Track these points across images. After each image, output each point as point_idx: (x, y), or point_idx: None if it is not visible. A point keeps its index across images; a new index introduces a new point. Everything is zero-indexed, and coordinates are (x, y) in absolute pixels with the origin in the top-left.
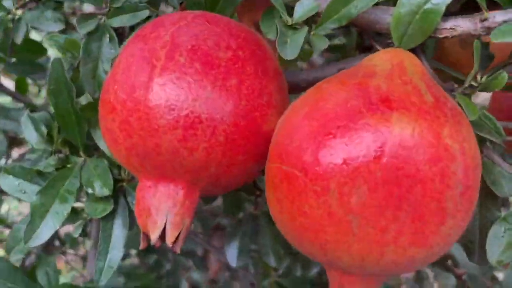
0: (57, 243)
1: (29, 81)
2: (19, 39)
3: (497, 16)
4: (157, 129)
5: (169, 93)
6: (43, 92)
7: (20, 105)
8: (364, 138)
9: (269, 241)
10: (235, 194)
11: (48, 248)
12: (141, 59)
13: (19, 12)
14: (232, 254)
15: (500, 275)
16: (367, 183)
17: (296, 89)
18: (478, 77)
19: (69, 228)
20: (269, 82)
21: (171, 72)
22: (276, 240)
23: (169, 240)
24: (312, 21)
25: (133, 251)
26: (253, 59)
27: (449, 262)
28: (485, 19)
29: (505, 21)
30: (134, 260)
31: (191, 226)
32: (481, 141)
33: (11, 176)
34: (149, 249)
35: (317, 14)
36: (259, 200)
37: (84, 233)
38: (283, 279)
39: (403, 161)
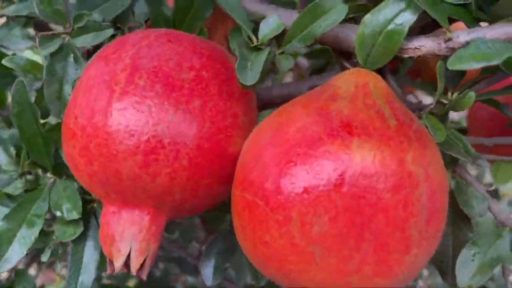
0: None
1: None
2: None
3: (460, 36)
4: (117, 155)
5: (129, 118)
6: None
7: None
8: (324, 166)
9: (246, 259)
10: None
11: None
12: (101, 82)
13: None
14: (207, 274)
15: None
16: (328, 212)
17: (270, 104)
18: (449, 94)
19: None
20: (235, 103)
21: (130, 96)
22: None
23: (134, 268)
24: (278, 40)
25: None
26: (217, 78)
27: None
28: (449, 39)
29: (467, 42)
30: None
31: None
32: (454, 160)
33: None
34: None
35: (283, 33)
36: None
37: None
38: None
39: (364, 189)
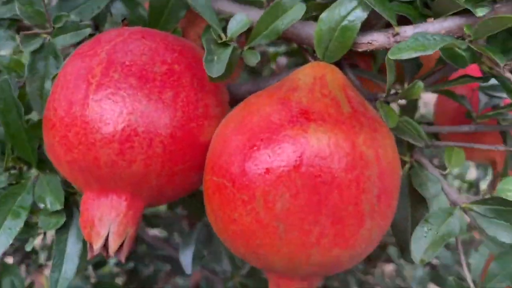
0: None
1: None
2: None
3: (407, 31)
4: (94, 143)
5: (105, 108)
6: None
7: None
8: (284, 148)
9: (223, 247)
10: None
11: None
12: (78, 77)
13: None
14: (187, 262)
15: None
16: (289, 190)
17: (242, 100)
18: (406, 85)
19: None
20: (206, 94)
21: (106, 88)
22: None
23: (112, 249)
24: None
25: (111, 260)
26: (188, 72)
27: None
28: (397, 34)
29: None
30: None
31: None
32: (411, 146)
33: None
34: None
35: (250, 29)
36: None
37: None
38: (248, 280)
39: (320, 169)
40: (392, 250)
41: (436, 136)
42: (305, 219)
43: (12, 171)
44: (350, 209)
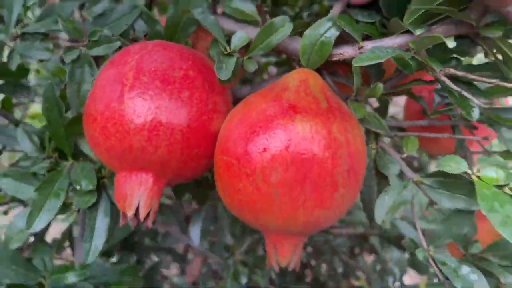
0: None
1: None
2: (14, 66)
3: (368, 45)
4: (129, 131)
5: (136, 104)
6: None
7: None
8: (277, 134)
9: (226, 224)
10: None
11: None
12: (114, 80)
13: (12, 43)
14: (195, 235)
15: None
16: (281, 166)
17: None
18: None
19: (55, 233)
20: (215, 94)
21: (137, 89)
22: (233, 223)
23: (141, 216)
24: (246, 49)
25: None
26: (200, 76)
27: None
28: (361, 47)
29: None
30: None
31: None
32: (377, 136)
33: (10, 178)
34: (130, 249)
35: (249, 44)
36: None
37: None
38: (246, 256)
39: (304, 149)
40: (374, 241)
41: (403, 130)
42: (293, 187)
43: (51, 160)
44: (326, 180)
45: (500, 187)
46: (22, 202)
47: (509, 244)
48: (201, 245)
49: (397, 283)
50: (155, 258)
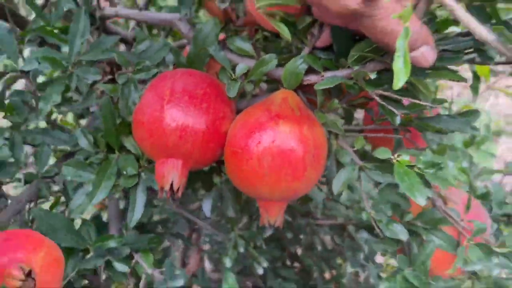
0: None
1: None
2: (73, 85)
3: (327, 74)
4: (165, 132)
5: (172, 113)
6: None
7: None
8: (267, 133)
9: (230, 202)
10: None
11: None
12: (156, 96)
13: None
14: (207, 208)
15: None
16: (270, 155)
17: (241, 111)
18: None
19: None
20: (224, 106)
21: (172, 102)
22: (234, 202)
23: (175, 188)
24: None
25: None
26: (215, 93)
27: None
28: (323, 75)
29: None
30: None
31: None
32: (336, 135)
33: (71, 167)
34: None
35: (247, 71)
36: (223, 180)
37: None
38: (244, 232)
39: (284, 143)
40: (351, 229)
41: (361, 131)
42: (278, 168)
43: (101, 154)
44: (299, 163)
45: (411, 167)
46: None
47: (431, 213)
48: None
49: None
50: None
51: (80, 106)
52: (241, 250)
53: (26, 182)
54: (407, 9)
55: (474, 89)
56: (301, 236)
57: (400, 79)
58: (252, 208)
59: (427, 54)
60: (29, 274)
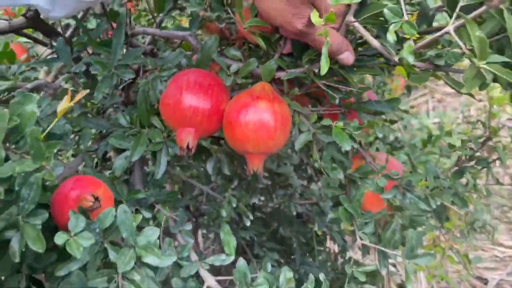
0: None
1: None
2: (114, 81)
3: (290, 70)
4: (184, 111)
5: (188, 98)
6: None
7: None
8: (251, 108)
9: (226, 164)
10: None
11: None
12: (177, 86)
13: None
14: (210, 167)
15: None
16: (252, 122)
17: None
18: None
19: None
20: (222, 92)
21: (188, 90)
22: (229, 164)
23: (191, 147)
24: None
25: None
26: (216, 84)
27: None
28: (287, 71)
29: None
30: None
31: None
32: (298, 114)
33: (114, 138)
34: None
35: (238, 70)
36: (221, 149)
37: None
38: (235, 192)
39: (262, 114)
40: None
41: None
42: (258, 131)
43: (136, 129)
44: (271, 128)
45: (343, 129)
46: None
47: (364, 167)
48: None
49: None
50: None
51: (108, 102)
52: (234, 205)
53: (73, 156)
54: (325, 30)
55: (407, 88)
56: (281, 207)
57: (323, 69)
58: (241, 173)
59: (348, 57)
60: (96, 199)
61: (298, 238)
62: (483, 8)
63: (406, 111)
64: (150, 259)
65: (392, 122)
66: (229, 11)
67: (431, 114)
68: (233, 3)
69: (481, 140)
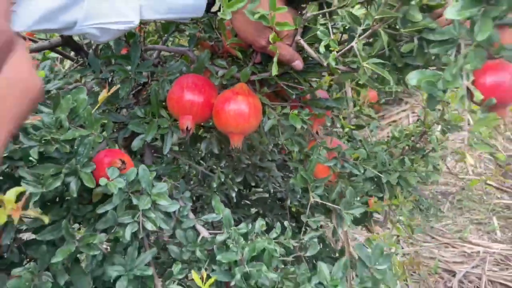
0: None
1: None
2: (139, 79)
3: (261, 74)
4: (184, 104)
5: (187, 94)
6: None
7: None
8: (231, 102)
9: (215, 145)
10: (200, 136)
11: None
12: (180, 86)
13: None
14: (203, 147)
15: None
16: (234, 111)
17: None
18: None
19: None
20: (212, 90)
21: (188, 89)
22: (218, 145)
23: (189, 128)
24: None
25: None
26: (208, 85)
27: None
28: (257, 75)
29: None
30: None
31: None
32: (268, 106)
33: (132, 125)
34: None
35: (224, 74)
36: (212, 135)
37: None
38: (224, 169)
39: (240, 105)
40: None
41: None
42: (237, 117)
43: (149, 118)
44: (247, 113)
45: (297, 115)
46: None
47: (315, 146)
48: (203, 168)
49: None
50: None
51: (123, 103)
52: (222, 179)
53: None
54: (273, 46)
55: (331, 85)
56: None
57: (274, 71)
58: (227, 155)
59: (299, 64)
60: (123, 162)
61: (278, 219)
62: (370, 31)
63: (373, 118)
64: (162, 202)
65: (359, 127)
66: (217, 33)
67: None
68: (220, 27)
69: (419, 133)
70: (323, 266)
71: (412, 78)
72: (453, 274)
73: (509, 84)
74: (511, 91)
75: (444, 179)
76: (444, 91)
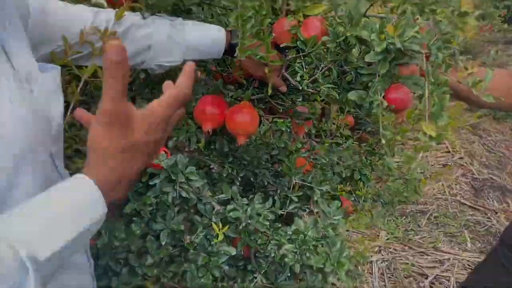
0: None
1: None
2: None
3: (259, 95)
4: (207, 114)
5: (208, 109)
6: None
7: None
8: (239, 113)
9: (225, 145)
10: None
11: None
12: (203, 104)
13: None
14: (216, 146)
15: None
16: (240, 119)
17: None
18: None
19: None
20: (225, 106)
21: (208, 105)
22: (228, 145)
23: (210, 131)
24: None
25: None
26: (222, 102)
27: None
28: (257, 95)
29: None
30: None
31: None
32: (263, 116)
33: None
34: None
35: (233, 95)
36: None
37: None
38: (231, 165)
39: (244, 116)
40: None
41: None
42: (243, 123)
43: (179, 126)
44: (249, 121)
45: (283, 122)
46: None
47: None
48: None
49: None
50: None
51: None
52: (229, 171)
53: None
54: (269, 74)
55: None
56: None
57: (270, 92)
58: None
59: (284, 88)
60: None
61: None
62: (327, 67)
63: (350, 136)
64: (193, 177)
65: (338, 144)
66: (228, 66)
67: None
68: (231, 63)
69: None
70: (298, 220)
71: (351, 95)
72: (426, 276)
73: (403, 98)
74: (404, 102)
75: (423, 199)
76: (370, 103)
